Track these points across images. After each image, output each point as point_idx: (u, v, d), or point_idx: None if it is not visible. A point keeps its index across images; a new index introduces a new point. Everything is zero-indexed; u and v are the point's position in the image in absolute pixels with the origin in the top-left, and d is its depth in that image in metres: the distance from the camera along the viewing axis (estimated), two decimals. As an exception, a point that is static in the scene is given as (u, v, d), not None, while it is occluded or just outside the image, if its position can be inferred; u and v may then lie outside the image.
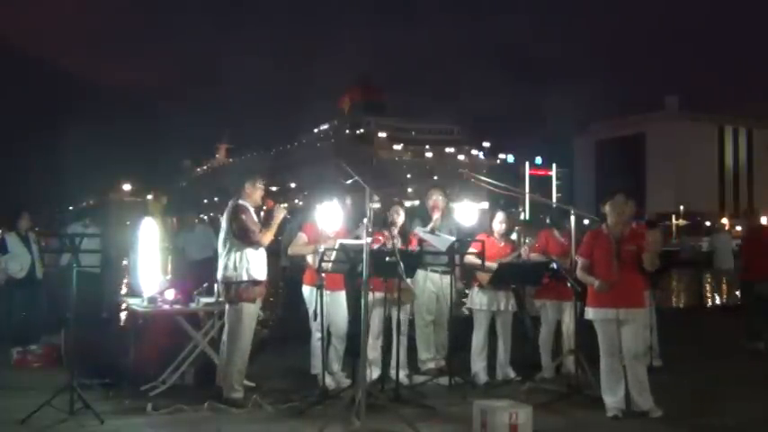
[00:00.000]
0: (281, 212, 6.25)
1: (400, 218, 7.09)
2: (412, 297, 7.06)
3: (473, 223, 7.67)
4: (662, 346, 7.80)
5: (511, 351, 7.24)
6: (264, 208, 6.35)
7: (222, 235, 6.21)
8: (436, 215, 7.41)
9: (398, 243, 6.90)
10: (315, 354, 6.80)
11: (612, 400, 5.85)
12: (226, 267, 6.10)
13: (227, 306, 6.18)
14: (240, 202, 6.19)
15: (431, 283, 7.32)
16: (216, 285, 6.59)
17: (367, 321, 5.77)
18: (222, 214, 6.39)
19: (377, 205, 6.11)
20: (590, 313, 5.99)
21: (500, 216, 7.32)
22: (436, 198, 7.49)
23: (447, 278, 7.17)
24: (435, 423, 5.62)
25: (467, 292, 7.74)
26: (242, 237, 6.06)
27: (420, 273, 7.29)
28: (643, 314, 6.03)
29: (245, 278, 6.05)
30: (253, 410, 5.88)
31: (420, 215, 7.55)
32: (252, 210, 6.18)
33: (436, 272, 7.24)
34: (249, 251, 6.08)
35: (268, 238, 6.15)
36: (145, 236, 7.55)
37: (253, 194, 6.24)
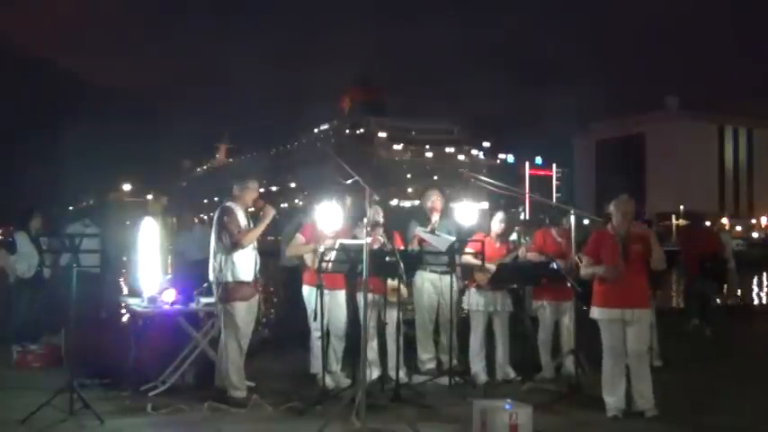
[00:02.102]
0: (269, 213, 6.24)
1: (380, 217, 7.07)
2: (403, 297, 7.06)
3: (473, 223, 7.67)
4: (662, 346, 7.80)
5: (510, 351, 7.24)
6: (252, 209, 6.35)
7: (212, 236, 6.24)
8: (435, 216, 7.41)
9: (387, 241, 6.92)
10: (314, 353, 6.82)
11: (613, 399, 5.85)
12: (214, 269, 6.16)
13: (219, 306, 6.20)
14: (227, 204, 6.22)
15: (429, 284, 7.32)
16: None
17: (367, 321, 5.78)
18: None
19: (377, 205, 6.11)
20: (595, 312, 5.97)
21: (500, 216, 7.32)
22: (435, 199, 7.50)
23: (446, 278, 7.17)
24: (435, 423, 5.62)
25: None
26: (222, 238, 6.09)
27: (419, 273, 7.31)
28: (648, 314, 6.02)
29: (230, 279, 6.08)
30: (253, 410, 5.88)
31: (417, 216, 7.55)
32: (239, 211, 6.17)
33: (435, 272, 7.24)
34: (236, 253, 6.09)
35: (249, 238, 6.12)
36: (145, 236, 7.55)
37: (242, 196, 6.26)
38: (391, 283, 6.64)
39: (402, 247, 7.03)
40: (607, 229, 6.08)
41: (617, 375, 5.88)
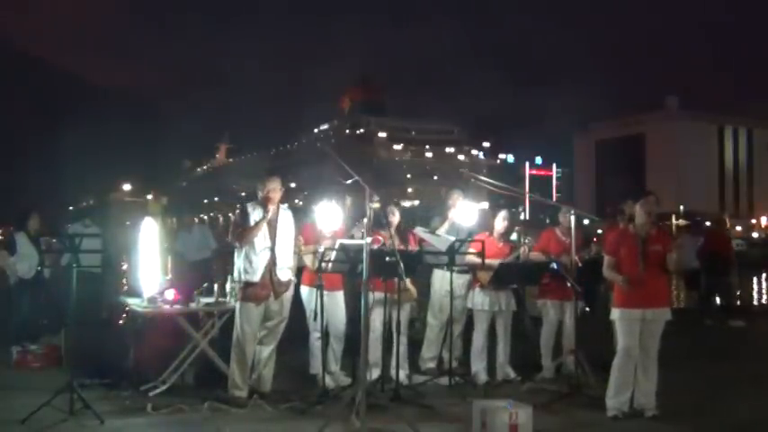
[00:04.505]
0: (267, 211, 6.13)
1: (396, 217, 7.10)
2: (412, 297, 7.07)
3: (473, 223, 7.70)
4: (662, 346, 7.78)
5: (510, 351, 7.24)
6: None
7: None
8: (451, 212, 7.48)
9: (396, 242, 6.92)
10: (313, 354, 6.83)
11: (616, 400, 5.82)
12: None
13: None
14: (246, 203, 6.24)
15: (447, 283, 7.31)
16: (215, 285, 6.68)
17: (367, 321, 5.77)
18: (221, 214, 6.40)
19: (377, 205, 6.12)
20: (615, 314, 5.92)
21: (503, 214, 7.34)
22: (454, 197, 7.62)
23: (463, 278, 7.27)
24: (435, 423, 5.62)
25: None
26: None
27: (439, 273, 7.33)
28: (667, 313, 5.96)
29: (239, 278, 6.14)
30: (253, 410, 5.89)
31: (440, 214, 7.68)
32: (254, 211, 6.14)
33: (453, 272, 7.23)
34: (244, 252, 6.10)
35: (243, 237, 6.07)
36: (145, 236, 7.54)
37: (263, 195, 6.16)
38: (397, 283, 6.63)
39: (417, 248, 7.07)
40: (629, 227, 6.05)
41: (627, 376, 5.83)
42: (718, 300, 12.53)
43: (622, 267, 5.92)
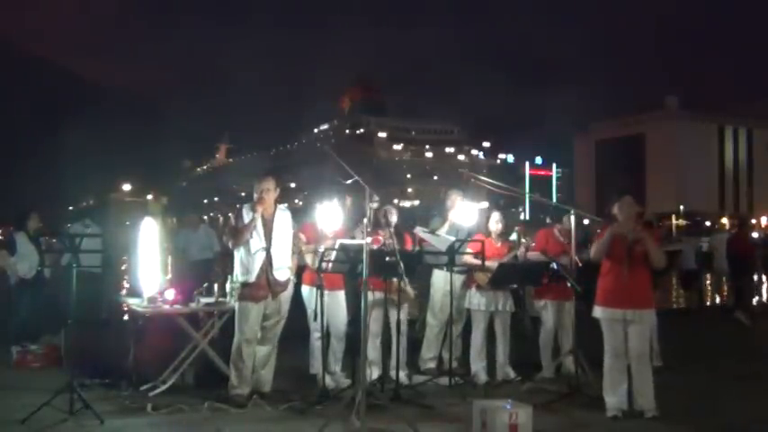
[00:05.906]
0: (256, 211, 6.12)
1: (394, 218, 7.09)
2: (409, 297, 7.08)
3: (472, 223, 7.71)
4: (662, 346, 7.80)
5: (510, 351, 7.25)
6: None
7: None
8: (450, 213, 7.50)
9: (395, 243, 6.94)
10: (314, 354, 6.83)
11: (613, 399, 5.84)
12: None
13: None
14: (243, 204, 6.24)
15: (447, 284, 7.30)
16: (215, 285, 6.68)
17: (367, 321, 5.77)
18: (221, 214, 6.43)
19: (376, 205, 6.11)
20: (597, 311, 5.95)
21: (496, 216, 7.36)
22: (453, 198, 7.62)
23: (463, 277, 7.28)
24: (435, 423, 5.62)
25: None
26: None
27: (439, 273, 7.33)
28: (651, 315, 5.98)
29: (237, 279, 6.18)
30: (253, 410, 5.89)
31: (440, 214, 7.68)
32: (248, 212, 6.13)
33: (454, 272, 7.23)
34: (239, 253, 6.15)
35: (234, 239, 6.12)
36: (145, 236, 7.54)
37: (257, 197, 6.13)
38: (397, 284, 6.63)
39: (417, 248, 7.09)
40: (616, 228, 6.05)
41: (618, 375, 5.87)
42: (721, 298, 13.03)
43: (608, 265, 5.94)
